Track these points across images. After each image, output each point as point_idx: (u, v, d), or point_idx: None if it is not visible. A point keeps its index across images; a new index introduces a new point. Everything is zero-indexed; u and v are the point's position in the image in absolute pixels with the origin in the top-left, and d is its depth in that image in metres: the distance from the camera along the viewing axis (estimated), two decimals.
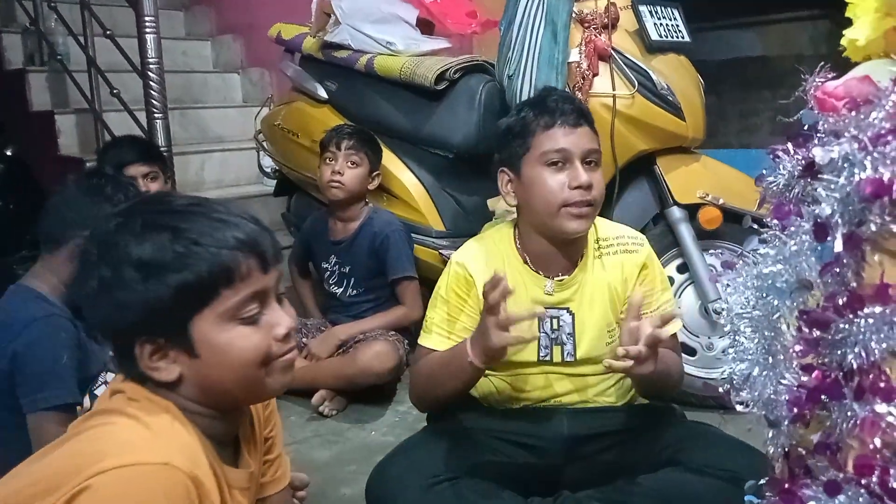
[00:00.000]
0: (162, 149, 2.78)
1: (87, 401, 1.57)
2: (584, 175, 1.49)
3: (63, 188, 1.65)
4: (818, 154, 0.77)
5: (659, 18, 2.36)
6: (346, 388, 2.40)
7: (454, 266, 1.60)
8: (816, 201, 0.77)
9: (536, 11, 2.26)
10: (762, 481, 0.91)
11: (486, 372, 1.50)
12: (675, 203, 2.27)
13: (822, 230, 0.77)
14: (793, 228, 0.82)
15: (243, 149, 4.04)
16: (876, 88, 0.78)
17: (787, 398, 0.81)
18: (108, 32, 3.26)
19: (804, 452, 0.83)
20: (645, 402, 1.63)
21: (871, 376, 0.74)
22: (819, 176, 0.78)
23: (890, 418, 0.73)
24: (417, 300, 2.54)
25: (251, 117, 3.70)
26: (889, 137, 0.73)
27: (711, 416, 1.96)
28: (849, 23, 0.93)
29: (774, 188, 0.88)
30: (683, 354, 1.78)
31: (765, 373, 0.84)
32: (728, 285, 0.91)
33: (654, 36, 2.31)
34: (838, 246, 0.75)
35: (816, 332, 0.78)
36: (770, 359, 0.84)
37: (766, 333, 0.85)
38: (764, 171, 0.89)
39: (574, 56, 2.26)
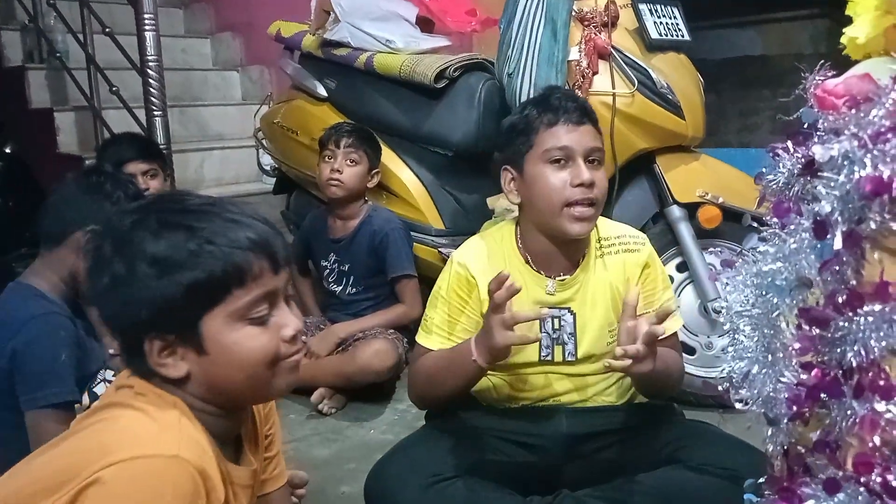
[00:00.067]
0: (161, 146, 2.77)
1: (86, 399, 1.57)
2: (586, 173, 1.49)
3: (62, 186, 1.65)
4: (818, 152, 0.77)
5: (659, 17, 2.36)
6: (346, 387, 2.40)
7: (455, 266, 1.60)
8: (816, 199, 0.77)
9: (536, 9, 2.25)
10: (761, 479, 0.91)
11: (487, 371, 1.50)
12: (675, 202, 2.27)
13: (821, 228, 0.77)
14: (792, 226, 0.82)
15: (243, 146, 4.04)
16: (876, 86, 0.79)
17: (786, 396, 0.81)
18: (107, 30, 3.26)
19: (803, 450, 0.83)
20: (644, 401, 1.63)
21: (870, 374, 0.74)
22: (819, 174, 0.78)
23: (889, 416, 0.73)
24: (417, 298, 2.54)
25: (250, 115, 3.69)
26: (889, 135, 0.73)
27: (710, 415, 1.97)
28: (849, 21, 0.93)
29: (774, 186, 0.88)
30: (683, 353, 1.78)
31: (764, 371, 0.84)
32: (727, 283, 0.91)
33: (653, 34, 2.31)
34: (838, 244, 0.75)
35: (816, 330, 0.78)
36: (769, 357, 0.84)
37: (765, 331, 0.85)
38: (764, 170, 0.89)
39: (574, 54, 2.26)
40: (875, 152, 0.73)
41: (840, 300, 0.76)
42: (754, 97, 4.18)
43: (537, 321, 1.51)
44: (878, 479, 0.73)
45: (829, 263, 0.76)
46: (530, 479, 1.54)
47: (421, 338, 1.60)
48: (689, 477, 1.45)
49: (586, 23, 2.27)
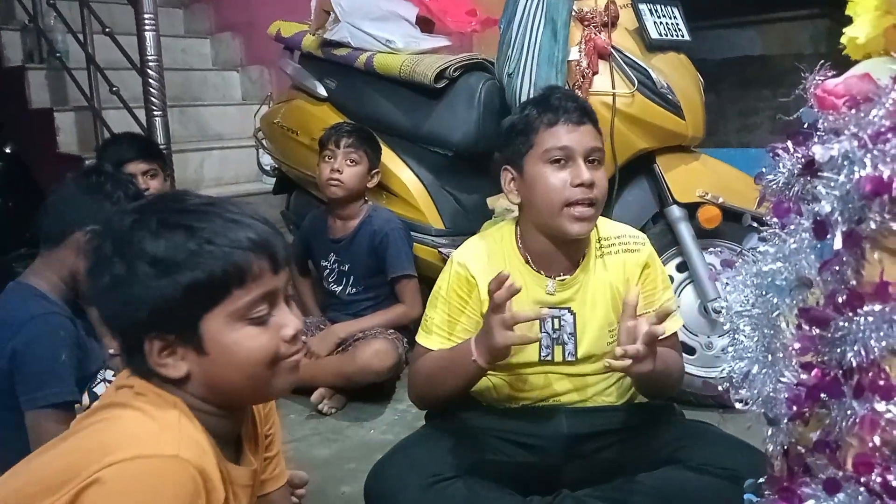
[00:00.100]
0: (161, 146, 2.77)
1: (85, 399, 1.57)
2: (586, 173, 1.49)
3: (62, 186, 1.65)
4: (818, 152, 0.77)
5: (659, 17, 2.36)
6: (346, 386, 2.40)
7: (456, 266, 1.60)
8: (816, 199, 0.77)
9: (536, 9, 2.25)
10: (761, 479, 0.91)
11: (487, 371, 1.50)
12: (675, 202, 2.27)
13: (821, 228, 0.77)
14: (792, 226, 0.82)
15: (242, 146, 4.03)
16: (876, 86, 0.79)
17: (786, 396, 0.81)
18: (107, 30, 3.26)
19: (803, 450, 0.83)
20: (644, 401, 1.63)
21: (870, 374, 0.74)
22: (819, 174, 0.78)
23: (889, 416, 0.73)
24: (417, 298, 2.54)
25: (250, 115, 3.69)
26: (889, 135, 0.73)
27: (710, 415, 1.97)
28: (849, 21, 0.93)
29: (774, 186, 0.88)
30: (683, 353, 1.78)
31: (764, 371, 0.84)
32: (727, 283, 0.91)
33: (653, 34, 2.31)
34: (838, 244, 0.75)
35: (816, 330, 0.78)
36: (769, 357, 0.84)
37: (765, 331, 0.85)
38: (764, 170, 0.89)
39: (574, 54, 2.26)
40: (875, 152, 0.73)
41: (840, 300, 0.76)
42: (754, 97, 4.18)
43: (537, 321, 1.51)
44: (878, 479, 0.73)
45: (829, 263, 0.76)
46: (530, 480, 1.54)
47: (421, 338, 1.60)
48: (689, 477, 1.45)
49: (586, 23, 2.27)
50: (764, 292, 0.85)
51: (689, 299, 2.30)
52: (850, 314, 0.75)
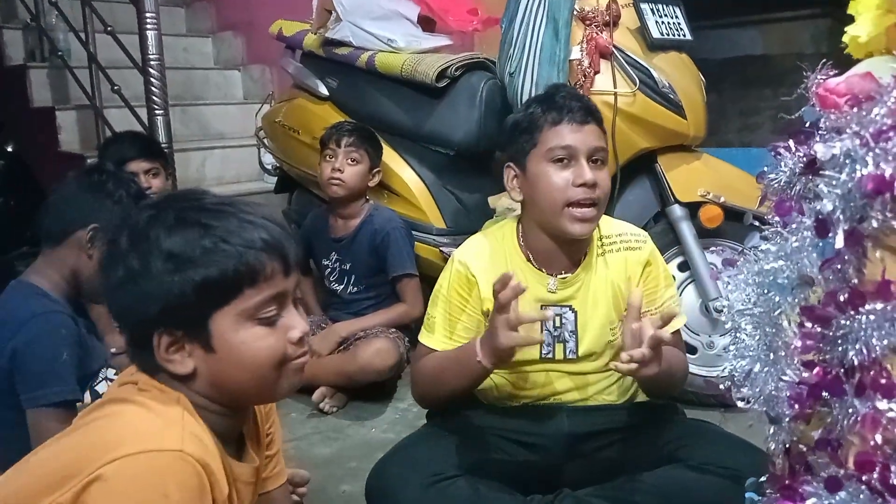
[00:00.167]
0: (163, 145, 2.78)
1: (87, 397, 1.57)
2: (588, 173, 1.49)
3: (64, 184, 1.65)
4: (820, 150, 0.77)
5: (660, 16, 2.36)
6: (347, 385, 2.40)
7: (456, 265, 1.60)
8: (818, 198, 0.77)
9: (538, 9, 2.25)
10: (763, 478, 0.91)
11: (491, 372, 1.50)
12: (676, 201, 2.27)
13: (823, 226, 0.77)
14: (794, 225, 0.82)
15: (244, 145, 4.04)
16: (878, 85, 0.78)
17: (788, 395, 0.81)
18: (108, 29, 3.26)
19: (805, 449, 0.83)
20: (645, 400, 1.63)
21: (871, 373, 0.74)
22: (821, 172, 0.78)
23: (891, 415, 0.73)
24: (418, 297, 2.54)
25: (252, 114, 3.70)
26: (891, 133, 0.73)
27: (712, 414, 1.97)
28: (850, 20, 0.93)
29: (776, 185, 0.88)
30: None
31: (766, 369, 0.84)
32: (729, 282, 0.91)
33: (655, 34, 2.31)
34: (839, 242, 0.75)
35: (818, 329, 0.78)
36: (771, 355, 0.84)
37: (767, 330, 0.85)
38: (765, 169, 0.89)
39: (575, 53, 2.26)
40: (877, 151, 0.73)
41: (842, 298, 0.76)
42: (756, 97, 4.18)
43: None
44: (880, 478, 0.73)
45: (831, 262, 0.76)
46: (531, 479, 1.54)
47: (423, 337, 1.60)
48: (691, 476, 1.45)
49: (588, 22, 2.27)
50: (765, 291, 0.85)
51: (691, 298, 2.30)
52: (852, 313, 0.75)
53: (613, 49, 2.25)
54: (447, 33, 2.85)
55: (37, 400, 1.48)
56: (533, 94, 2.17)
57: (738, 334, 0.89)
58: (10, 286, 1.61)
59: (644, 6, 2.32)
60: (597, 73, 2.26)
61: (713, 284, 2.20)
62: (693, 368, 2.22)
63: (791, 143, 0.86)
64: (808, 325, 0.79)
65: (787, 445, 0.85)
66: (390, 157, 2.71)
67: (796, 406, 0.80)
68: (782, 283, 0.83)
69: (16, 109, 3.77)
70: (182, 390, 0.96)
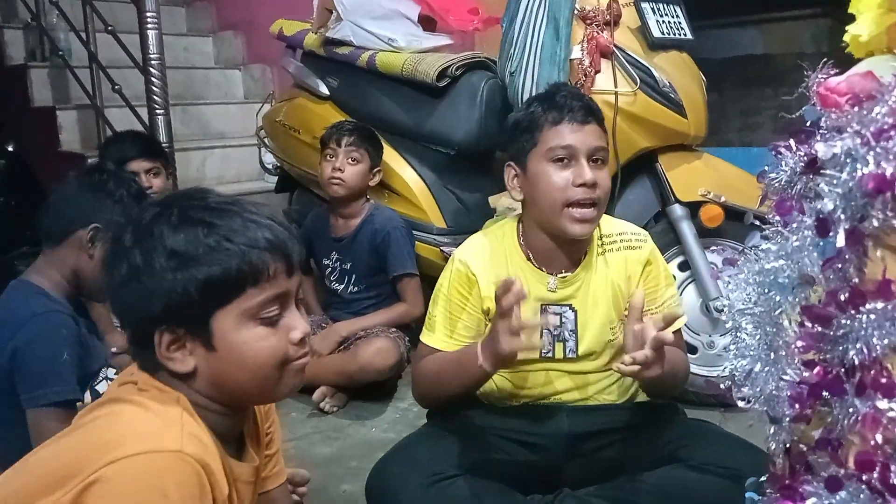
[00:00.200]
0: (163, 145, 2.78)
1: (87, 397, 1.57)
2: (588, 173, 1.49)
3: (64, 184, 1.65)
4: (821, 149, 0.77)
5: (661, 15, 2.35)
6: (347, 385, 2.40)
7: (457, 264, 1.60)
8: (819, 197, 0.77)
9: (539, 8, 2.25)
10: (763, 478, 0.91)
11: (492, 375, 1.50)
12: (677, 201, 2.27)
13: (824, 226, 0.77)
14: (795, 224, 0.82)
15: (245, 145, 4.04)
16: (878, 84, 0.78)
17: (788, 394, 0.81)
18: (109, 28, 3.26)
19: (805, 448, 0.83)
20: (645, 400, 1.63)
21: (872, 372, 0.74)
22: (821, 171, 0.78)
23: (891, 414, 0.73)
24: (419, 297, 2.54)
25: (252, 114, 3.70)
26: (892, 133, 0.72)
27: (712, 414, 1.97)
28: (851, 19, 0.93)
29: (776, 184, 0.88)
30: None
31: (766, 369, 0.84)
32: (729, 282, 0.91)
33: (656, 33, 2.31)
34: (840, 241, 0.75)
35: (818, 328, 0.78)
36: (772, 355, 0.84)
37: (767, 329, 0.85)
38: (766, 168, 0.89)
39: (576, 53, 2.26)
40: (878, 150, 0.73)
41: (842, 298, 0.75)
42: (756, 96, 4.18)
43: (538, 320, 1.51)
44: (880, 477, 0.73)
45: (832, 261, 0.76)
46: (531, 478, 1.54)
47: (424, 336, 1.60)
48: (691, 476, 1.45)
49: (588, 21, 2.27)
50: (766, 290, 0.85)
51: (691, 298, 2.30)
52: (853, 312, 0.75)
53: (614, 48, 2.25)
54: (448, 33, 2.85)
55: (37, 400, 1.48)
56: (534, 94, 2.17)
57: (738, 334, 0.89)
58: (11, 286, 1.61)
59: (645, 5, 2.32)
60: (597, 72, 2.25)
61: (714, 284, 2.20)
62: (693, 368, 2.22)
63: (792, 142, 0.86)
64: (809, 324, 0.79)
65: (788, 445, 0.85)
66: (391, 156, 2.71)
67: (797, 406, 0.80)
68: (783, 282, 0.82)
69: (16, 109, 3.77)
70: (182, 389, 0.96)
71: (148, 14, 2.85)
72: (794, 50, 4.04)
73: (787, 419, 0.82)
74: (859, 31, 0.90)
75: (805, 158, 0.83)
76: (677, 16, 2.40)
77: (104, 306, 1.85)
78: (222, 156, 4.04)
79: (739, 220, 2.21)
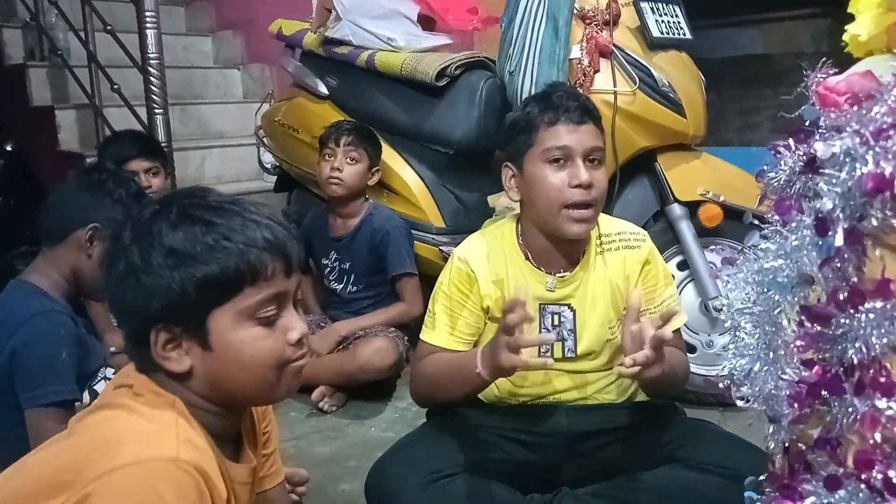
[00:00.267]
0: (162, 144, 2.78)
1: (86, 397, 1.57)
2: (584, 174, 1.49)
3: (63, 183, 1.65)
4: (820, 149, 0.77)
5: (660, 15, 2.36)
6: (346, 385, 2.40)
7: (456, 262, 1.60)
8: (818, 196, 0.77)
9: (538, 8, 2.25)
10: (762, 477, 0.91)
11: (491, 383, 1.50)
12: (676, 200, 2.27)
13: (823, 225, 0.76)
14: (794, 224, 0.82)
15: (243, 145, 4.04)
16: (878, 83, 0.78)
17: (787, 393, 0.81)
18: (108, 28, 3.26)
19: (804, 448, 0.83)
20: (644, 399, 1.63)
21: (871, 371, 0.74)
22: (820, 171, 0.77)
23: (890, 413, 0.73)
24: (417, 297, 2.54)
25: (251, 113, 3.70)
26: (891, 132, 0.72)
27: (711, 413, 1.97)
28: (850, 19, 0.93)
29: (775, 184, 0.87)
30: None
31: (765, 368, 0.84)
32: (728, 281, 0.91)
33: (655, 33, 2.31)
34: (839, 241, 0.75)
35: (817, 328, 0.78)
36: (771, 354, 0.84)
37: (766, 329, 0.85)
38: (765, 167, 0.89)
39: (575, 52, 2.26)
40: (877, 149, 0.73)
41: (841, 297, 0.75)
42: (755, 96, 4.18)
43: (537, 318, 1.51)
44: (879, 476, 0.73)
45: (831, 260, 0.76)
46: (530, 478, 1.54)
47: (425, 334, 1.60)
48: (690, 476, 1.45)
49: (588, 21, 2.27)
50: (765, 290, 0.85)
51: (690, 297, 2.30)
52: (852, 311, 0.74)
53: (613, 48, 2.25)
54: (447, 32, 2.85)
55: (35, 399, 1.48)
56: (533, 93, 2.17)
57: (737, 333, 0.89)
58: (10, 285, 1.61)
59: (644, 5, 2.32)
60: (597, 71, 2.26)
61: (713, 283, 2.20)
62: (693, 367, 2.21)
63: (791, 141, 0.86)
64: (808, 323, 0.79)
65: (787, 444, 0.85)
66: (390, 156, 2.71)
67: (795, 405, 0.80)
68: (782, 281, 0.82)
69: (15, 108, 3.77)
70: (178, 391, 0.95)
71: (147, 13, 2.85)
72: (793, 49, 4.04)
73: (786, 418, 0.82)
74: (858, 30, 0.90)
75: (804, 158, 0.83)
76: (676, 15, 2.40)
77: (103, 306, 1.85)
78: (221, 155, 4.04)
79: (738, 220, 2.21)
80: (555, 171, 1.50)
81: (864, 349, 0.73)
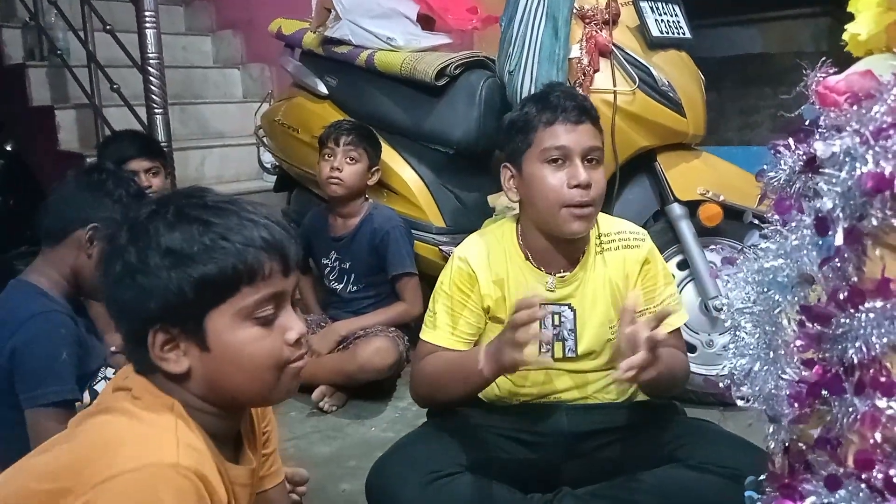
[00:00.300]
0: (162, 144, 2.78)
1: (86, 397, 1.57)
2: (583, 174, 1.48)
3: (63, 183, 1.65)
4: (820, 148, 0.77)
5: (660, 14, 2.36)
6: (346, 384, 2.40)
7: (457, 261, 1.60)
8: (818, 196, 0.77)
9: (537, 7, 2.25)
10: (762, 477, 0.91)
11: (492, 382, 1.49)
12: (676, 200, 2.27)
13: (823, 224, 0.76)
14: (794, 223, 0.82)
15: (243, 144, 4.04)
16: (878, 83, 0.78)
17: (787, 393, 0.81)
18: (108, 27, 3.26)
19: (804, 447, 0.83)
20: (645, 399, 1.63)
21: (871, 371, 0.74)
22: (820, 170, 0.77)
23: (890, 413, 0.73)
24: (418, 296, 2.54)
25: (251, 113, 3.70)
26: (891, 131, 0.72)
27: (711, 413, 1.97)
28: (850, 18, 0.93)
29: (775, 183, 0.87)
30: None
31: (765, 368, 0.84)
32: (728, 281, 0.91)
33: (655, 32, 2.31)
34: (839, 240, 0.75)
35: (817, 327, 0.78)
36: (771, 354, 0.84)
37: (766, 328, 0.85)
38: (765, 167, 0.89)
39: (575, 52, 2.26)
40: (877, 148, 0.72)
41: (841, 297, 0.75)
42: (755, 95, 4.18)
43: (538, 321, 1.51)
44: (879, 476, 0.73)
45: (831, 260, 0.76)
46: (530, 477, 1.54)
47: (426, 333, 1.60)
48: (690, 476, 1.45)
49: (587, 20, 2.27)
50: (765, 289, 0.85)
51: (690, 297, 2.30)
52: (852, 311, 0.74)
53: (613, 47, 2.25)
54: (446, 32, 2.85)
55: (35, 399, 1.48)
56: (532, 93, 2.17)
57: (737, 333, 0.89)
58: (10, 286, 1.61)
59: (644, 4, 2.32)
60: (596, 71, 2.26)
61: (713, 283, 2.20)
62: (693, 367, 2.21)
63: (791, 141, 0.86)
64: (808, 323, 0.79)
65: (787, 444, 0.85)
66: (389, 155, 2.71)
67: (796, 404, 0.80)
68: (782, 281, 0.82)
69: (15, 108, 3.77)
70: (176, 392, 0.95)
71: (146, 13, 2.85)
72: (793, 49, 4.04)
73: (786, 418, 0.82)
74: (858, 29, 0.90)
75: (804, 157, 0.83)
76: (676, 15, 2.40)
77: (103, 306, 1.84)
78: (221, 155, 4.04)
79: (738, 219, 2.21)
80: (553, 172, 1.50)
81: (864, 349, 0.73)
